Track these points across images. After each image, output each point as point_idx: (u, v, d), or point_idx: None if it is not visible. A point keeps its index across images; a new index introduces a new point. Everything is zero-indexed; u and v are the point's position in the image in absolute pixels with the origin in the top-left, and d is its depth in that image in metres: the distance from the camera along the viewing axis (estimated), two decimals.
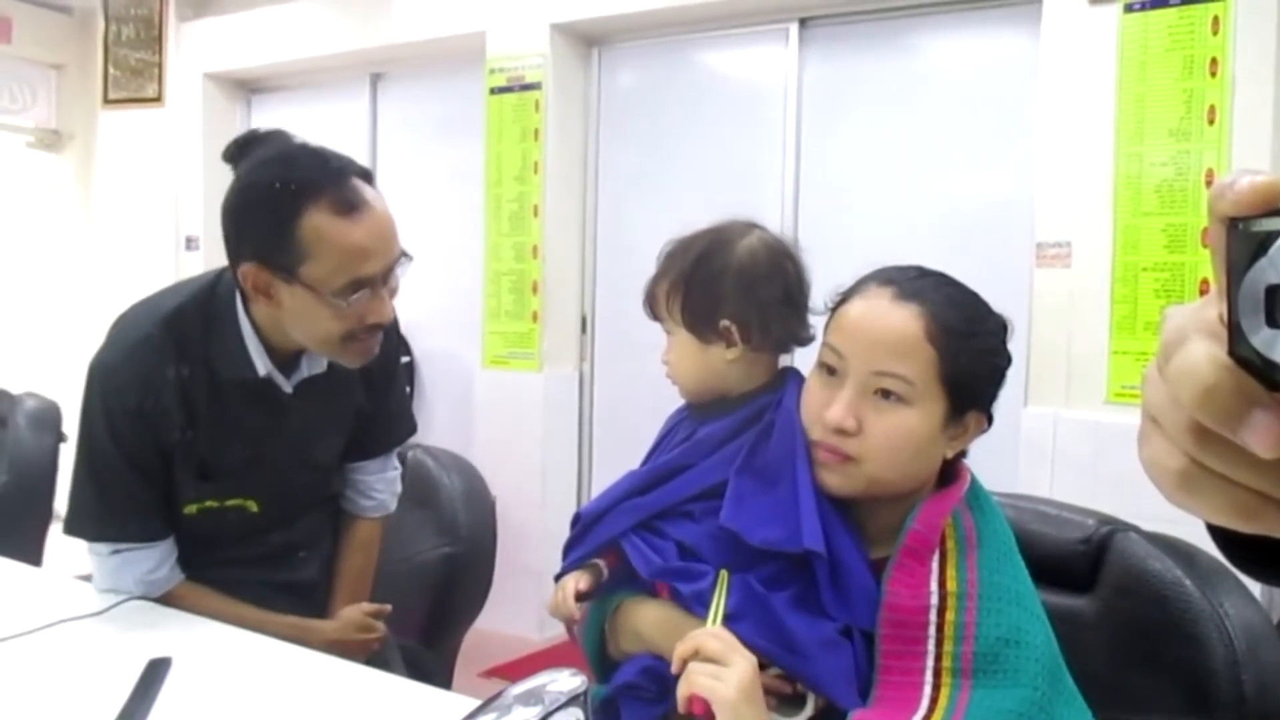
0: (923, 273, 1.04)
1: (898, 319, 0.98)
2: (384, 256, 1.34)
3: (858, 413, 0.99)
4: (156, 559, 1.44)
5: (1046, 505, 1.21)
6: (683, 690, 0.92)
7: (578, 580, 1.12)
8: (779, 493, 1.02)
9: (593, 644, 1.14)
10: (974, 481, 1.05)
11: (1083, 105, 2.71)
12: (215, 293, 1.44)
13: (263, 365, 1.42)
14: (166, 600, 1.45)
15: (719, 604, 0.99)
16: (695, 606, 1.03)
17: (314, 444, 1.55)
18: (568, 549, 1.16)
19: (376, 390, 1.60)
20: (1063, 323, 2.74)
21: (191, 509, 1.46)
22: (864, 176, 3.28)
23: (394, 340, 1.58)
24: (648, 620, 1.08)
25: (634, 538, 1.10)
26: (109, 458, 1.39)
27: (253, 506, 1.50)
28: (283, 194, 1.29)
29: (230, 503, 1.48)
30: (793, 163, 3.40)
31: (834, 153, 3.35)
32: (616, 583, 1.13)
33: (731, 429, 1.09)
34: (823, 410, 1.00)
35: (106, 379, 1.40)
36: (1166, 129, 2.60)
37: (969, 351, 1.00)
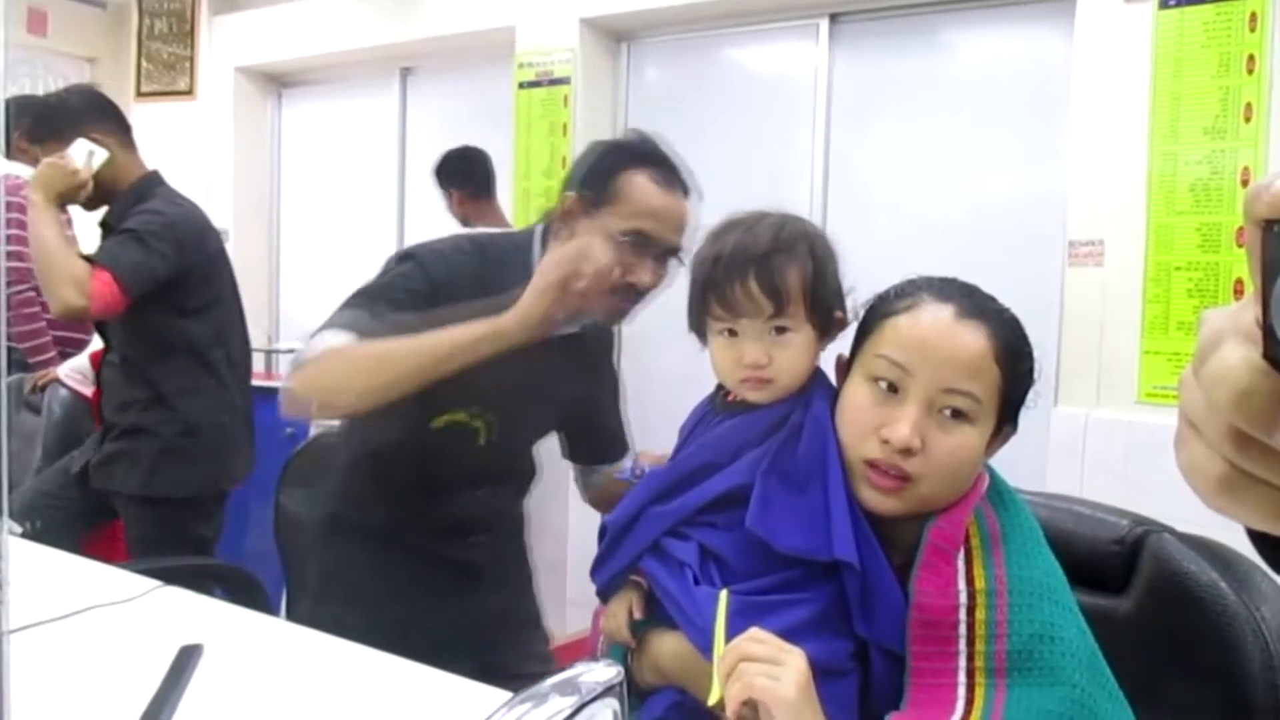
0: (967, 288, 1.02)
1: (970, 337, 0.96)
2: (665, 229, 1.52)
3: (922, 431, 0.96)
4: (346, 339, 1.44)
5: (1080, 505, 1.19)
6: (736, 692, 0.87)
7: (630, 605, 1.09)
8: (808, 499, 0.99)
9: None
10: (995, 477, 1.03)
11: (1117, 102, 2.68)
12: (515, 236, 1.68)
13: None
14: (337, 357, 1.42)
15: (720, 628, 0.95)
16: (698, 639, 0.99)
17: (536, 403, 1.67)
18: (598, 563, 1.13)
19: (587, 381, 1.77)
20: (1094, 322, 2.71)
21: (439, 422, 1.57)
22: (894, 173, 3.26)
23: (607, 342, 1.79)
24: (667, 653, 1.06)
25: (655, 560, 1.07)
26: (410, 277, 1.52)
27: (483, 434, 1.60)
28: (623, 153, 1.57)
29: (475, 420, 1.59)
30: (822, 159, 3.38)
31: (864, 149, 3.33)
32: (646, 601, 1.10)
33: (758, 430, 1.05)
34: (881, 427, 0.97)
35: (427, 248, 1.58)
36: (1202, 127, 2.56)
37: (1021, 372, 0.99)
